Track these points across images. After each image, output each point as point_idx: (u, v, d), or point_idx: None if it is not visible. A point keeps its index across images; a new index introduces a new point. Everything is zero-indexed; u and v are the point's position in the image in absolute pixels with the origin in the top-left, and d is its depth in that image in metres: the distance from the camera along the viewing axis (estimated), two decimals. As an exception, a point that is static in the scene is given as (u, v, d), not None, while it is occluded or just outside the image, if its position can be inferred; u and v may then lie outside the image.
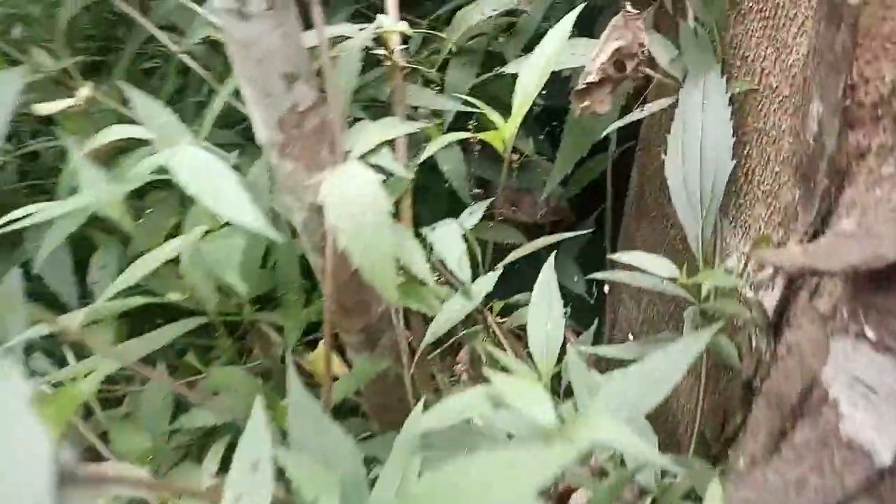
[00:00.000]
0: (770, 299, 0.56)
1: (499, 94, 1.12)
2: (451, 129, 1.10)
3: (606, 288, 1.09)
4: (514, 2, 0.96)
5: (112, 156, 0.70)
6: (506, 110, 1.12)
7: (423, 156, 0.61)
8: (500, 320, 0.85)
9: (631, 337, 0.98)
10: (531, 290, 0.83)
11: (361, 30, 0.78)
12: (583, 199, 1.21)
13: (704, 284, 0.63)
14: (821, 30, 0.49)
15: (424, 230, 0.76)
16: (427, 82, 1.11)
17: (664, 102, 0.73)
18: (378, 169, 0.56)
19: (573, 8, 1.11)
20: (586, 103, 0.66)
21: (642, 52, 0.65)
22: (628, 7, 0.65)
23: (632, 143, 1.04)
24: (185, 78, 0.89)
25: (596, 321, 1.03)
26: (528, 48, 1.04)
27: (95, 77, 0.81)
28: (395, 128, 0.58)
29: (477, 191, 1.04)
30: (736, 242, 0.68)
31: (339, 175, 0.50)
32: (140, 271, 0.56)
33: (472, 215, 0.85)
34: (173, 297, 0.68)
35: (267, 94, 0.49)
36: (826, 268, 0.39)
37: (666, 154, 0.84)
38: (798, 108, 0.56)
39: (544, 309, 0.59)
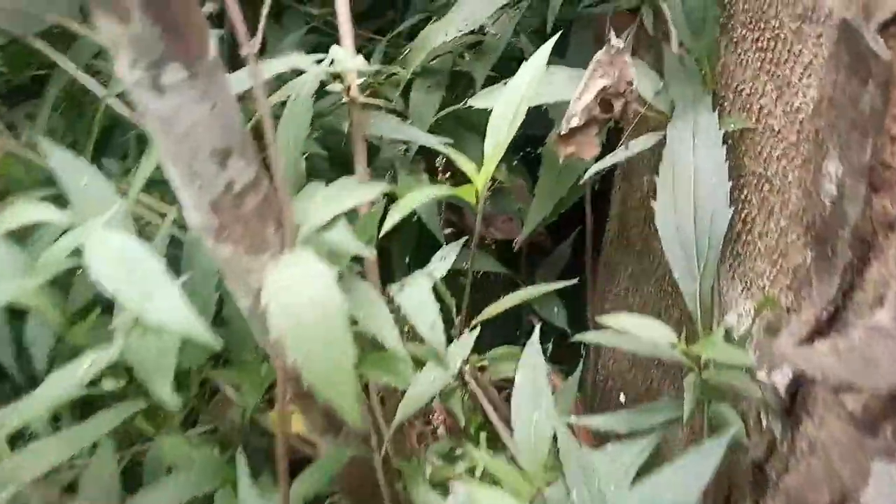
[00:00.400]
0: (781, 377, 0.49)
1: (469, 117, 1.05)
2: (418, 154, 1.03)
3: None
4: (483, 20, 0.89)
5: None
6: (477, 136, 1.05)
7: (391, 221, 0.53)
8: (478, 366, 0.78)
9: (618, 382, 0.92)
10: (508, 323, 0.76)
11: (318, 62, 0.70)
12: (559, 219, 1.15)
13: (697, 350, 0.56)
14: (839, 80, 0.42)
15: (392, 288, 0.69)
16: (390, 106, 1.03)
17: (650, 139, 0.66)
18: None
19: (543, 24, 1.05)
20: (571, 149, 0.58)
21: (630, 90, 0.58)
22: (612, 40, 0.57)
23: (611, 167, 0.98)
24: (115, 120, 0.80)
25: (581, 363, 0.97)
26: (498, 68, 0.97)
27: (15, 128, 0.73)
28: (353, 194, 0.50)
29: (450, 226, 0.97)
30: (735, 296, 0.62)
31: (283, 270, 0.42)
32: (61, 385, 0.48)
33: (445, 260, 0.78)
34: (108, 386, 0.60)
35: (195, 175, 0.41)
36: (871, 385, 0.33)
37: (654, 196, 0.78)
38: (807, 161, 0.49)
39: (530, 393, 0.52)
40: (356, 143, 0.73)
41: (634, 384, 0.88)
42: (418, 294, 0.66)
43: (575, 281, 0.73)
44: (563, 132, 0.59)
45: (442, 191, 0.58)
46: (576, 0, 0.98)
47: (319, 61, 0.70)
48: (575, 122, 0.58)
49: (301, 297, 0.40)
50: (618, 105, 0.58)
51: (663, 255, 0.80)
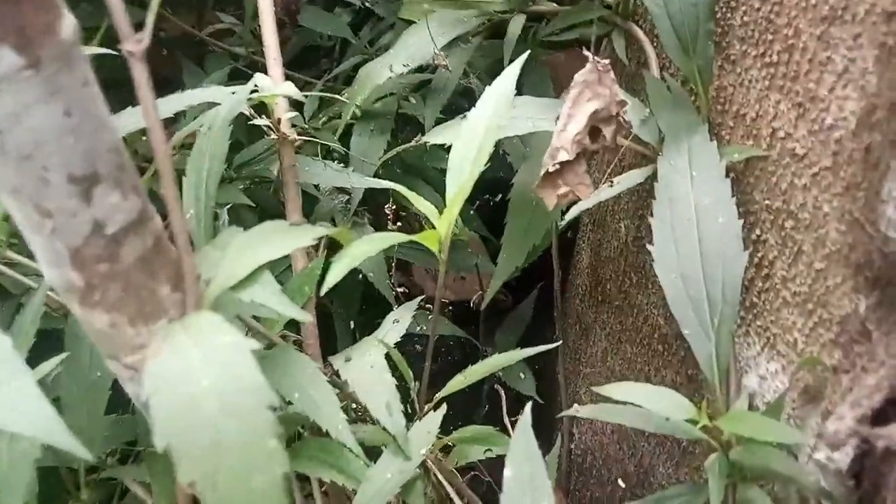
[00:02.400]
0: (842, 456, 0.39)
1: (418, 163, 0.94)
2: (361, 206, 0.91)
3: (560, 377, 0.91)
4: (429, 56, 0.79)
5: None
6: (427, 183, 0.95)
7: (333, 276, 0.41)
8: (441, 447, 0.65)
9: (599, 457, 0.80)
10: (466, 391, 0.64)
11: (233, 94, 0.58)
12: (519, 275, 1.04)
13: (726, 426, 0.45)
14: (908, 78, 0.33)
15: (336, 360, 0.56)
16: (329, 153, 0.92)
17: (638, 175, 0.56)
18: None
19: (494, 64, 0.97)
20: (563, 190, 0.48)
21: (622, 111, 0.48)
22: (594, 56, 0.48)
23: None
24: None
25: (558, 438, 0.85)
26: (449, 110, 0.88)
27: None
28: (281, 240, 0.38)
29: (398, 286, 0.84)
30: (753, 354, 0.52)
31: (174, 346, 0.29)
32: None
33: (398, 324, 0.66)
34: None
35: (45, 213, 0.28)
36: None
37: (639, 243, 0.68)
38: (852, 187, 0.40)
39: (526, 491, 0.39)
40: (287, 188, 0.61)
41: (619, 459, 0.77)
42: (369, 367, 0.54)
43: (553, 346, 0.61)
44: (549, 170, 0.48)
45: (397, 238, 0.47)
46: (530, 38, 0.90)
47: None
48: (563, 157, 0.47)
49: (199, 388, 0.28)
50: (608, 131, 0.49)
51: (650, 311, 0.70)
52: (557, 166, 0.48)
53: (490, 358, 0.60)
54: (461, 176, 0.54)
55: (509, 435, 0.79)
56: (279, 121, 0.60)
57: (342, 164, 0.80)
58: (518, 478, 0.39)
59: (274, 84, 0.57)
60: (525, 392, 0.92)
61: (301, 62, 1.16)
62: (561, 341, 0.85)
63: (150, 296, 0.34)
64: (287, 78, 0.67)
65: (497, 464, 0.68)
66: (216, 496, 0.26)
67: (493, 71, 0.75)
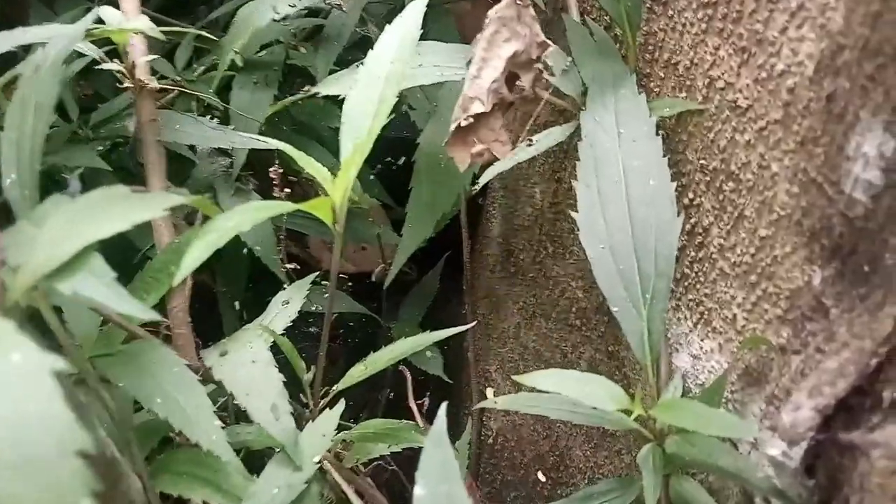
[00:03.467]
0: (798, 450, 0.34)
1: (308, 121, 0.84)
2: (245, 170, 0.81)
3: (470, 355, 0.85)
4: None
5: None
6: (320, 144, 0.85)
7: (191, 260, 0.31)
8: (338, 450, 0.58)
9: (512, 438, 0.75)
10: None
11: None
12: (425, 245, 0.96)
13: (663, 417, 0.40)
14: (881, 12, 0.28)
15: (209, 356, 0.46)
16: (207, 109, 0.80)
17: (560, 133, 0.50)
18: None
19: (393, 11, 0.87)
20: (478, 148, 0.40)
21: (545, 55, 0.41)
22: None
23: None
24: None
25: (469, 423, 0.79)
26: (343, 62, 0.78)
27: None
28: (122, 211, 0.29)
29: (291, 260, 0.75)
30: (683, 332, 0.47)
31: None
32: None
33: (289, 305, 0.57)
34: None
35: None
36: None
37: (560, 207, 0.62)
38: (808, 142, 0.35)
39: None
40: (147, 148, 0.51)
41: (534, 441, 0.72)
42: (250, 362, 0.45)
43: (466, 328, 0.55)
44: (461, 125, 0.41)
45: (281, 207, 0.38)
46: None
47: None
48: (478, 108, 0.40)
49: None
50: (527, 78, 0.41)
51: (568, 283, 0.65)
52: (471, 120, 0.41)
53: (396, 343, 0.52)
54: (358, 132, 0.46)
55: (415, 420, 0.73)
56: (133, 65, 0.49)
57: (222, 122, 0.70)
58: (432, 498, 0.32)
59: (125, 18, 0.46)
60: (432, 371, 0.85)
61: (173, 8, 1.02)
62: (471, 318, 0.79)
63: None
64: (156, 23, 0.55)
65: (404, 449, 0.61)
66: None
67: (393, 18, 0.66)
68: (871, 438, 0.27)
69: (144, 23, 0.46)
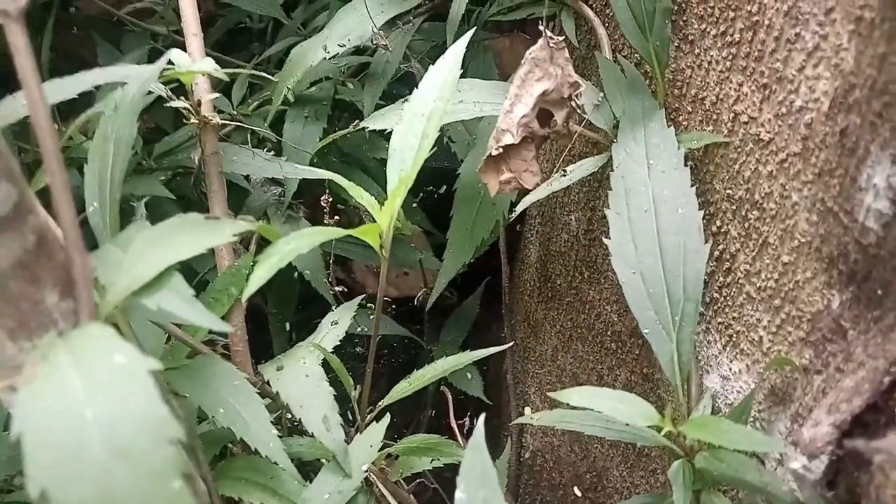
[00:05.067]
0: (818, 464, 0.36)
1: (355, 153, 0.89)
2: (296, 198, 0.85)
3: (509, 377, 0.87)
4: (366, 36, 0.74)
5: None
6: (366, 174, 0.89)
7: (256, 280, 0.35)
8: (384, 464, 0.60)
9: (550, 459, 0.76)
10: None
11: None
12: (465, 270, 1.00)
13: (692, 433, 0.42)
14: (887, 54, 0.30)
15: (267, 370, 0.50)
16: (260, 142, 0.85)
17: (593, 163, 0.53)
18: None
19: (435, 49, 0.92)
20: (507, 176, 0.44)
21: (576, 95, 0.44)
22: (548, 32, 0.44)
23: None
24: None
25: (507, 442, 0.81)
26: (388, 96, 0.82)
27: None
28: (196, 236, 0.33)
29: (337, 283, 0.79)
30: (713, 354, 0.49)
31: (53, 368, 0.24)
32: None
33: (337, 326, 0.61)
34: None
35: None
36: None
37: (590, 235, 0.65)
38: (825, 174, 0.37)
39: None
40: (210, 178, 0.55)
41: (572, 462, 0.74)
42: (304, 376, 0.49)
43: (504, 348, 0.57)
44: (492, 154, 0.44)
45: (333, 233, 0.42)
46: (474, 20, 0.86)
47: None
48: (509, 140, 0.43)
49: (82, 423, 0.22)
50: (560, 115, 0.45)
51: (603, 307, 0.67)
52: (501, 150, 0.44)
53: (437, 362, 0.55)
54: (403, 164, 0.49)
55: (456, 439, 0.75)
56: (199, 102, 0.54)
57: (275, 154, 0.75)
58: (471, 502, 0.35)
59: (192, 60, 0.51)
60: (472, 393, 0.88)
61: (229, 45, 1.08)
62: (510, 341, 0.82)
63: (33, 305, 0.28)
64: (215, 62, 0.60)
65: (444, 468, 0.64)
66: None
67: (435, 56, 0.70)
68: (874, 446, 0.29)
69: (210, 64, 0.50)
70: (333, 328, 0.60)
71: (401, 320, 0.95)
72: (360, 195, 0.47)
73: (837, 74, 0.36)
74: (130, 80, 0.50)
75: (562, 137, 0.49)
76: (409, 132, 0.51)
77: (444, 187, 0.90)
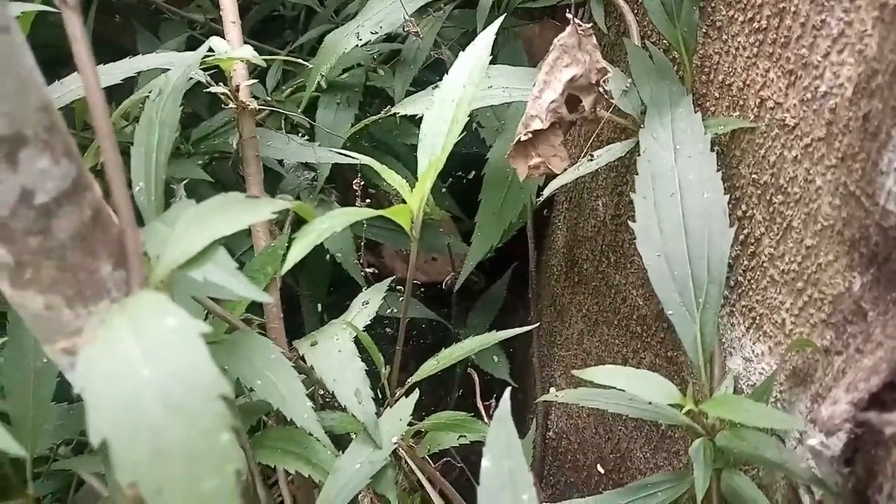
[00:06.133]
0: (836, 441, 0.37)
1: (387, 139, 0.91)
2: (328, 183, 0.87)
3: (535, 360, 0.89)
4: (397, 23, 0.75)
5: None
6: (397, 159, 0.91)
7: (294, 256, 0.37)
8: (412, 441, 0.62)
9: (575, 441, 0.78)
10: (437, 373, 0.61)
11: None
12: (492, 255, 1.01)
13: (713, 411, 0.43)
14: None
15: (301, 344, 0.52)
16: (294, 127, 0.87)
17: (620, 148, 0.54)
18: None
19: (465, 35, 0.93)
20: (535, 161, 0.45)
21: (604, 81, 0.45)
22: (576, 19, 0.45)
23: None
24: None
25: (533, 423, 0.83)
26: (419, 83, 0.84)
27: None
28: (237, 213, 0.35)
29: (367, 266, 0.81)
30: (738, 335, 0.50)
31: (112, 331, 0.26)
32: None
33: (368, 306, 0.62)
34: None
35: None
36: None
37: (616, 220, 0.66)
38: (847, 158, 0.38)
39: (505, 485, 0.37)
40: (247, 161, 0.57)
41: (596, 443, 0.75)
42: (337, 351, 0.51)
43: (529, 329, 0.59)
44: (521, 139, 0.45)
45: (365, 213, 0.43)
46: (503, 6, 0.86)
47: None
48: (537, 125, 0.44)
49: (138, 380, 0.24)
50: (587, 100, 0.46)
51: (629, 291, 0.68)
52: (530, 135, 0.45)
53: (464, 342, 0.57)
54: (433, 148, 0.51)
55: (482, 419, 0.77)
56: (237, 88, 0.56)
57: (308, 139, 0.76)
58: (497, 471, 0.37)
59: (231, 47, 0.53)
60: (498, 375, 0.89)
61: (263, 33, 1.11)
62: (536, 324, 0.83)
63: (89, 275, 0.30)
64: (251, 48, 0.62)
65: (469, 447, 0.66)
66: (161, 503, 0.23)
67: (465, 42, 0.71)
68: (886, 418, 0.30)
69: (249, 52, 0.52)
70: (364, 308, 0.62)
71: (429, 304, 0.97)
72: (392, 178, 0.49)
73: (861, 60, 0.36)
74: (174, 67, 0.52)
75: (589, 123, 0.50)
76: (440, 117, 0.53)
77: (473, 173, 0.91)
